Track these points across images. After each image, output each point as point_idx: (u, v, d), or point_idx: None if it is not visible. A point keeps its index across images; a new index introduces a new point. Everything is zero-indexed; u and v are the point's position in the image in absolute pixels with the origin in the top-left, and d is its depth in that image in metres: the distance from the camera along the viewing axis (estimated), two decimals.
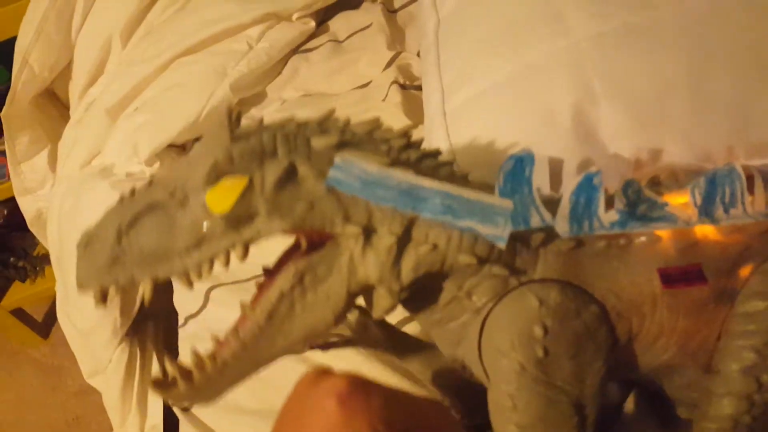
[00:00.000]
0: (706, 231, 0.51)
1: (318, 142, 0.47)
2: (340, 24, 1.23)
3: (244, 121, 0.49)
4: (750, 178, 0.51)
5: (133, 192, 0.47)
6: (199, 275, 0.46)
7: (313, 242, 0.48)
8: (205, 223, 0.45)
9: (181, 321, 0.90)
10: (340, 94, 1.09)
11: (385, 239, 0.47)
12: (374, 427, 0.38)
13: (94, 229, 0.46)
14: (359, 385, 0.40)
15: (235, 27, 1.15)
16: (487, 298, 0.50)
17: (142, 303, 1.02)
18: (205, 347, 0.47)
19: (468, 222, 0.47)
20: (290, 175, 0.46)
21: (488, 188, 0.50)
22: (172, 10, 1.24)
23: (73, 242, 1.02)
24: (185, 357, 0.88)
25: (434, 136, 0.70)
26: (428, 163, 0.50)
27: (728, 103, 0.58)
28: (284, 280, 0.47)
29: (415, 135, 0.51)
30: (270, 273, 0.50)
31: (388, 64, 1.08)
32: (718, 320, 0.52)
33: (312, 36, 1.21)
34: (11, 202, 1.49)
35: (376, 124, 0.50)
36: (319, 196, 0.46)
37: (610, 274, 0.51)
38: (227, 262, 0.46)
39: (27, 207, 1.38)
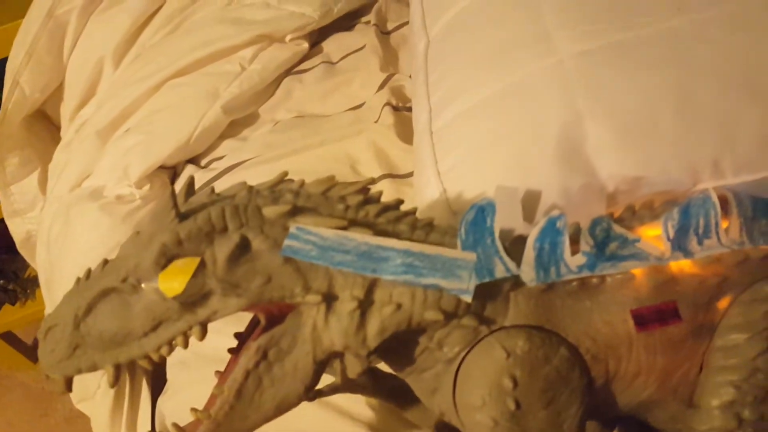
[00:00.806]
0: (682, 264, 0.50)
1: (270, 212, 0.46)
2: (334, 46, 1.23)
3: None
4: (724, 202, 0.50)
5: (88, 274, 0.47)
6: (159, 357, 0.45)
7: (272, 315, 0.47)
8: (160, 308, 0.44)
9: None
10: (332, 115, 1.08)
11: (347, 304, 0.45)
12: None
13: (53, 315, 0.46)
14: None
15: (228, 48, 1.15)
16: (459, 347, 0.49)
17: None
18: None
19: (431, 279, 0.46)
20: (243, 249, 0.45)
21: (454, 234, 0.49)
22: (165, 31, 1.23)
23: (62, 265, 1.03)
24: (173, 384, 0.87)
25: (421, 156, 0.70)
26: (389, 216, 0.49)
27: (714, 118, 0.57)
28: (247, 359, 0.47)
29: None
30: (236, 348, 0.50)
31: (381, 86, 1.07)
32: (697, 354, 0.51)
33: (305, 57, 1.21)
34: (1, 224, 1.47)
35: (331, 182, 0.49)
36: (275, 268, 0.45)
37: (584, 315, 0.49)
38: (186, 344, 0.46)
39: (16, 229, 1.36)
